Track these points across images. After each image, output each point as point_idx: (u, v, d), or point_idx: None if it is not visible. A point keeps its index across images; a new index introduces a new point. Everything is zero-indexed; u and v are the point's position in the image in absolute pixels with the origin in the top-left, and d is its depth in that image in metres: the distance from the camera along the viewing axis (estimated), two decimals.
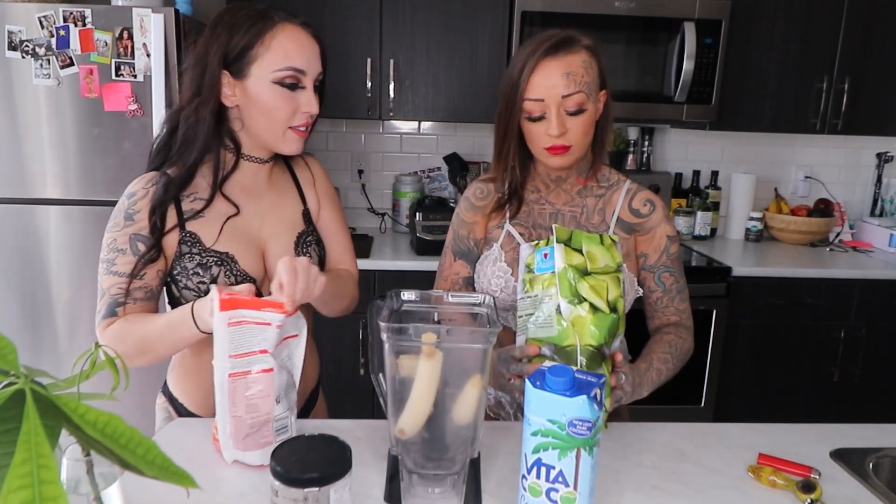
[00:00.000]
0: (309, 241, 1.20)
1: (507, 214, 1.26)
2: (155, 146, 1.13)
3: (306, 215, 1.23)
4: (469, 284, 1.29)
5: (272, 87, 1.05)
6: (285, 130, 1.09)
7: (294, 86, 1.06)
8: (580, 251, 1.01)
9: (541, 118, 1.14)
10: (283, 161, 1.25)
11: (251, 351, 0.93)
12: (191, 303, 1.02)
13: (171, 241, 1.09)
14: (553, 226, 1.04)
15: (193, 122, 1.07)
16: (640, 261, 1.26)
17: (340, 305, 1.21)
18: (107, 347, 0.62)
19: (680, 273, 1.28)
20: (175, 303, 1.14)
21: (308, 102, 1.08)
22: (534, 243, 1.06)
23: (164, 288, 1.14)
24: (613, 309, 1.00)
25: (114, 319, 1.07)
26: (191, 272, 1.09)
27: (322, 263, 1.23)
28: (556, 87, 1.11)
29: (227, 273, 1.10)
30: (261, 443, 0.97)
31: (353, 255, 1.31)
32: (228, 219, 1.12)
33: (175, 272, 1.10)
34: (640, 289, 1.26)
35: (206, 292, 1.09)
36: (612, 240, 1.05)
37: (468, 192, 1.31)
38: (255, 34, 1.04)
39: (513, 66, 1.15)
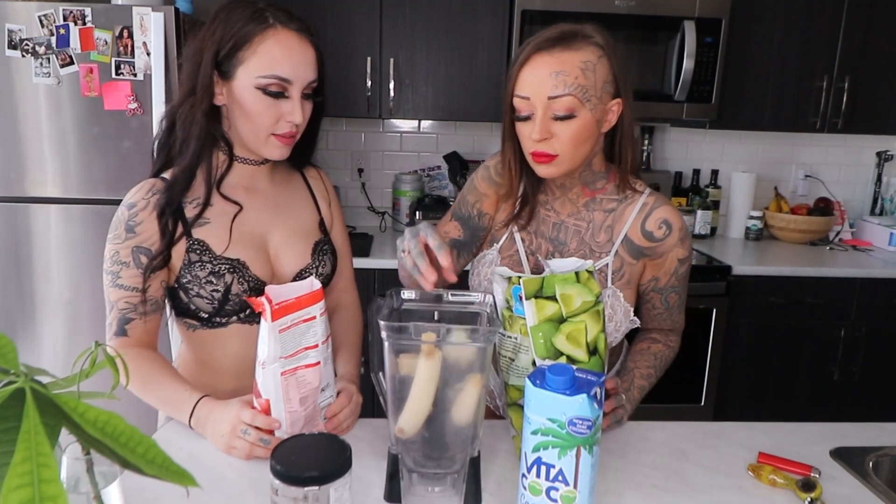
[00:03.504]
0: (325, 251, 1.20)
1: (516, 222, 1.19)
2: (156, 144, 1.12)
3: (322, 225, 1.22)
4: (462, 247, 1.22)
5: (255, 93, 1.02)
6: (268, 136, 1.06)
7: (278, 94, 1.03)
8: (554, 297, 0.92)
9: (528, 118, 1.05)
10: (296, 168, 1.24)
11: (300, 349, 0.97)
12: (195, 400, 1.02)
13: (178, 250, 1.08)
14: (521, 278, 0.91)
15: (188, 123, 1.05)
16: (649, 284, 1.17)
17: None
18: (108, 347, 0.62)
19: (684, 289, 1.20)
20: (183, 311, 1.12)
21: (292, 112, 1.04)
22: (507, 277, 0.95)
23: (170, 295, 1.12)
24: (593, 351, 0.93)
25: (125, 340, 1.07)
26: (203, 281, 1.07)
27: (333, 274, 1.24)
28: (543, 86, 1.01)
29: (240, 280, 1.09)
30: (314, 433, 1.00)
31: (354, 281, 1.33)
32: (235, 217, 1.11)
33: (185, 281, 1.08)
34: (637, 319, 1.17)
35: (220, 301, 1.08)
36: (590, 271, 0.95)
37: (490, 163, 1.21)
38: (246, 36, 1.00)
39: (513, 57, 1.08)
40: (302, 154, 1.20)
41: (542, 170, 1.08)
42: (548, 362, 0.90)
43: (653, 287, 1.18)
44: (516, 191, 1.18)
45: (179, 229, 1.08)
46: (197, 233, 1.08)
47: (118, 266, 1.06)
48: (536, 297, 0.92)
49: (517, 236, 1.20)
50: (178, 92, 1.07)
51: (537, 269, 1.18)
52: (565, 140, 1.03)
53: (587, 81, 1.01)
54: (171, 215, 1.07)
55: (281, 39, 1.01)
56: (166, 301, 1.14)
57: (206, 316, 1.11)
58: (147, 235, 1.06)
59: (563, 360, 0.91)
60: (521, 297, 0.93)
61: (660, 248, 1.14)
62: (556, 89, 1.00)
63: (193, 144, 1.05)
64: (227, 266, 1.08)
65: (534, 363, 0.93)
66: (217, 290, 1.08)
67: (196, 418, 1.01)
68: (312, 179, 1.26)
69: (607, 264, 1.14)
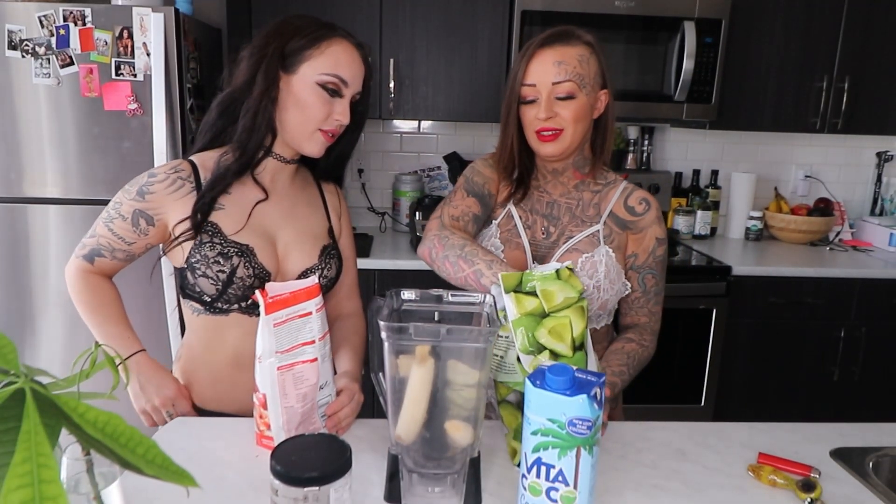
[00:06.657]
0: (332, 255, 1.25)
1: (512, 199, 1.30)
2: (206, 124, 1.18)
3: (331, 232, 1.28)
4: (478, 223, 1.28)
5: (314, 88, 1.12)
6: (314, 131, 1.14)
7: (334, 92, 1.13)
8: (534, 293, 0.94)
9: (533, 101, 1.21)
10: (314, 179, 1.30)
11: (296, 344, 1.00)
12: (137, 353, 1.16)
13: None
14: (500, 274, 0.97)
15: (256, 111, 1.12)
16: (629, 260, 1.29)
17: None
18: (107, 347, 0.62)
19: (661, 276, 1.31)
20: (189, 292, 1.15)
21: (342, 112, 1.14)
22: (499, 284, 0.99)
23: (180, 276, 1.16)
24: (579, 347, 0.93)
25: (89, 266, 1.18)
26: (211, 261, 1.12)
27: (337, 278, 1.27)
28: (548, 74, 1.18)
29: (246, 265, 1.13)
30: (310, 430, 1.04)
31: (358, 290, 1.36)
32: (258, 203, 1.17)
33: (193, 260, 1.12)
34: (628, 283, 1.27)
35: (224, 282, 1.13)
36: (570, 269, 0.97)
37: (480, 159, 1.35)
38: (315, 39, 1.13)
39: (517, 56, 1.24)
40: (333, 165, 1.28)
41: (546, 147, 1.22)
42: (541, 360, 0.91)
43: (631, 265, 1.28)
44: (516, 169, 1.30)
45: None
46: (211, 217, 1.14)
47: (117, 214, 1.15)
48: (516, 291, 0.94)
49: (514, 212, 1.30)
50: (234, 81, 1.14)
51: (534, 240, 1.28)
52: (566, 117, 1.20)
53: (583, 70, 1.20)
54: (215, 193, 1.13)
55: (346, 48, 1.15)
56: (174, 284, 1.23)
57: (209, 300, 1.14)
58: (152, 206, 1.14)
59: (546, 354, 0.92)
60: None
61: (640, 222, 1.28)
62: (558, 76, 1.18)
63: (262, 130, 1.13)
64: (236, 249, 1.13)
65: (518, 359, 0.94)
66: (223, 271, 1.12)
67: (132, 366, 1.15)
68: (329, 194, 1.31)
69: (599, 230, 1.27)
